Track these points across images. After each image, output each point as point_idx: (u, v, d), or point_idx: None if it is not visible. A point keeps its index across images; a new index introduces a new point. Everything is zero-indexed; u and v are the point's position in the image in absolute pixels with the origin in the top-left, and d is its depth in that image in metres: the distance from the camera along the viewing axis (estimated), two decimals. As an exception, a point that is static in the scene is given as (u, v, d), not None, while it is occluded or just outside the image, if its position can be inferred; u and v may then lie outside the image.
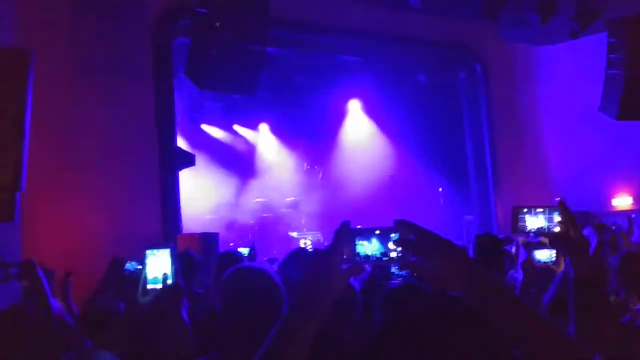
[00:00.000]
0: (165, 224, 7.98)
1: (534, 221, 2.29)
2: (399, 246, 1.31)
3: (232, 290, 2.24)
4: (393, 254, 1.32)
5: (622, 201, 11.62)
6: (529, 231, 2.30)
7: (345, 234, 1.33)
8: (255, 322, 2.15)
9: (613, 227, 6.11)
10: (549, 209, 2.29)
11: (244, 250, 6.20)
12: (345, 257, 1.32)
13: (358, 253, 1.32)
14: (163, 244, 2.34)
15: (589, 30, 9.33)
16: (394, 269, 2.70)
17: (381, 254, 1.32)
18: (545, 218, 2.28)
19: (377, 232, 1.33)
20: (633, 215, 9.57)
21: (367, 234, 1.33)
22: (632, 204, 11.55)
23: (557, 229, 2.26)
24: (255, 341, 2.13)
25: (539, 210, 2.29)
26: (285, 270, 3.11)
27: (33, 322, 2.95)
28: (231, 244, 11.05)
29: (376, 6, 9.74)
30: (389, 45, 10.66)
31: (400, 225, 1.32)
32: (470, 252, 3.68)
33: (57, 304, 3.21)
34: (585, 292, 2.15)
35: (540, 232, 2.32)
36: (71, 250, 6.72)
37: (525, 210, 2.30)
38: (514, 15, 9.73)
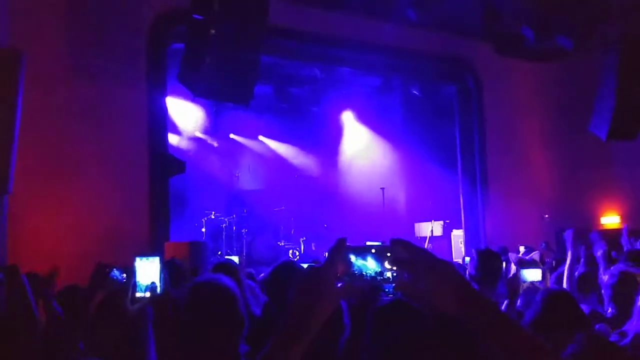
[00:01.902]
0: (154, 231, 7.91)
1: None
2: (394, 265, 1.29)
3: (190, 304, 2.22)
4: (388, 274, 1.30)
5: (610, 219, 11.69)
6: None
7: (340, 252, 1.31)
8: (211, 334, 2.14)
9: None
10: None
11: (235, 259, 6.18)
12: (339, 275, 1.30)
13: (353, 272, 1.30)
14: (152, 252, 2.32)
15: (583, 48, 9.41)
16: (387, 289, 2.68)
17: (376, 273, 1.30)
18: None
19: (373, 250, 1.31)
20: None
21: (362, 253, 1.31)
22: (620, 222, 11.61)
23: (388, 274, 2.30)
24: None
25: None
26: (274, 283, 3.08)
27: (17, 329, 2.90)
28: (219, 253, 11.01)
29: (371, 18, 9.77)
30: (383, 57, 10.69)
31: (396, 245, 1.30)
32: (471, 267, 3.69)
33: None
34: None
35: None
36: (58, 255, 6.64)
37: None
38: (509, 31, 9.81)
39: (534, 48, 9.77)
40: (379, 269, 1.29)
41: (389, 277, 1.30)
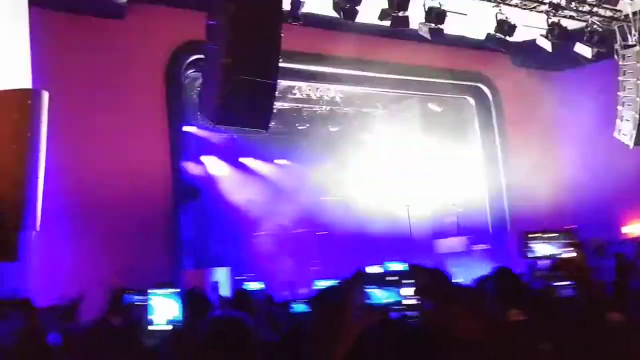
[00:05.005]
0: (172, 259, 7.90)
1: (543, 248, 2.27)
2: (418, 295, 1.27)
3: (204, 341, 2.18)
4: (410, 302, 1.27)
5: (632, 229, 11.38)
6: (538, 256, 2.27)
7: (357, 282, 1.29)
8: None
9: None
10: (558, 234, 2.27)
11: (256, 285, 6.16)
12: (358, 305, 1.27)
13: (368, 303, 1.28)
14: (168, 283, 2.30)
15: (601, 55, 9.29)
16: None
17: (394, 301, 1.28)
18: (554, 244, 2.25)
19: (390, 277, 1.29)
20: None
21: (379, 280, 1.28)
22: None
23: (569, 255, 2.24)
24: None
25: (547, 235, 2.27)
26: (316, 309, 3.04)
27: (27, 355, 2.91)
28: (236, 278, 10.96)
29: (387, 38, 9.79)
30: (400, 75, 10.71)
31: (416, 271, 1.28)
32: (490, 287, 3.59)
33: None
34: (591, 317, 2.14)
35: (549, 257, 2.28)
36: (80, 283, 6.67)
37: (535, 235, 2.28)
38: (525, 42, 9.76)
39: (551, 57, 9.68)
40: (397, 298, 1.27)
41: (410, 305, 1.27)
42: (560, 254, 2.25)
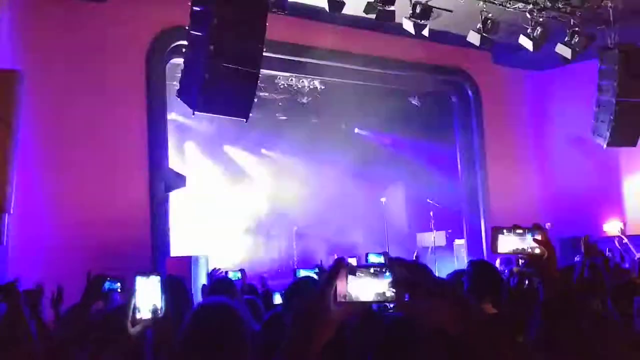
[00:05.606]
0: (155, 247, 7.88)
1: (511, 243, 2.30)
2: (396, 287, 1.28)
3: (193, 331, 2.16)
4: (388, 293, 1.28)
5: (612, 227, 11.63)
6: (505, 251, 2.31)
7: (338, 272, 1.29)
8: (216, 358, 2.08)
9: (608, 254, 6.13)
10: (526, 230, 2.30)
11: (236, 274, 6.15)
12: (337, 297, 1.28)
13: (350, 293, 1.29)
14: (153, 270, 2.26)
15: (580, 57, 9.44)
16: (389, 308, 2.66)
17: (375, 293, 1.29)
18: (521, 240, 2.28)
19: (372, 270, 1.30)
20: (624, 241, 9.61)
21: (361, 272, 1.29)
22: (622, 229, 11.56)
23: (537, 251, 2.27)
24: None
25: (518, 231, 2.30)
26: (291, 300, 3.06)
27: (12, 343, 2.88)
28: (219, 270, 10.95)
29: (371, 31, 9.80)
30: (382, 69, 10.74)
31: (395, 265, 1.29)
32: (466, 280, 3.64)
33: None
34: (555, 315, 2.15)
35: (514, 252, 2.32)
36: (59, 270, 6.62)
37: (505, 231, 2.31)
38: (507, 40, 9.84)
39: (532, 56, 9.80)
40: (379, 289, 1.28)
41: (388, 297, 1.28)
42: (525, 249, 2.28)
